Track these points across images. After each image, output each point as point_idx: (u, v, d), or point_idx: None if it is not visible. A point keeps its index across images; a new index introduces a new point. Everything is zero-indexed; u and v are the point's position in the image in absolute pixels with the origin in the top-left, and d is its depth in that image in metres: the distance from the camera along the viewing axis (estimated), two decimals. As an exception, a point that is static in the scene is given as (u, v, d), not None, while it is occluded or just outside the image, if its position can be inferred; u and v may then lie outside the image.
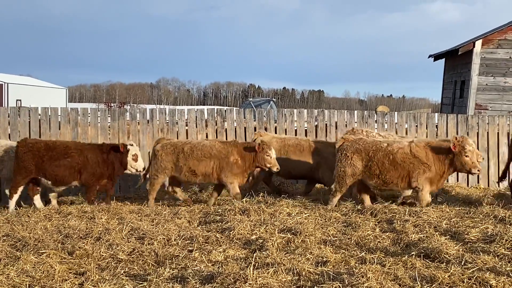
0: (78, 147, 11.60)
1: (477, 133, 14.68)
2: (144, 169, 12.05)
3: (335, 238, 8.30)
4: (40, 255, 7.45)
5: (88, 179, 11.50)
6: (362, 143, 10.83)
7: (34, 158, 11.32)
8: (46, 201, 11.86)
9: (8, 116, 13.63)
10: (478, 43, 24.31)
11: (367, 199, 10.90)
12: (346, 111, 15.01)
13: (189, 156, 11.49)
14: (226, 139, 14.24)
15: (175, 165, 11.57)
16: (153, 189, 11.73)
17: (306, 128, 14.62)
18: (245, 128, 14.38)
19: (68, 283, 6.57)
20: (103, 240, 8.25)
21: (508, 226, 8.63)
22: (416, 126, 14.63)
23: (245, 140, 14.30)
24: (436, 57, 29.78)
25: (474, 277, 6.28)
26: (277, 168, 11.47)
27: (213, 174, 11.48)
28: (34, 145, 11.43)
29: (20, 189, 11.48)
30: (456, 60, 27.13)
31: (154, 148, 11.86)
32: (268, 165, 11.41)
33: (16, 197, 11.45)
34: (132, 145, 11.77)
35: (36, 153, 11.34)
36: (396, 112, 15.48)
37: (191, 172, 11.51)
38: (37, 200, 11.62)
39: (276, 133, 14.29)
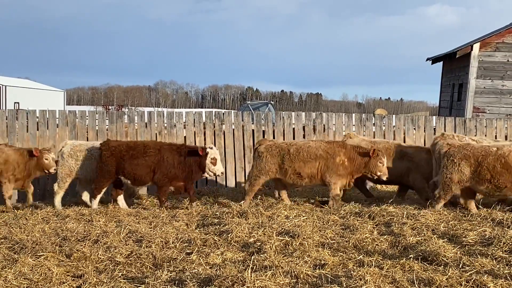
0: (157, 147, 11.53)
1: (475, 136, 14.67)
2: (222, 173, 11.91)
3: (333, 241, 8.30)
4: (38, 258, 7.44)
5: (160, 178, 11.44)
6: (470, 149, 10.56)
7: (116, 160, 11.41)
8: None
9: (6, 119, 13.61)
10: (476, 46, 24.38)
11: (472, 205, 10.54)
12: (344, 114, 15.01)
13: (295, 158, 11.25)
14: (224, 142, 14.25)
15: (280, 168, 11.33)
16: (252, 189, 11.47)
17: (304, 132, 14.60)
18: (243, 130, 14.37)
19: (66, 285, 6.56)
20: (101, 242, 8.25)
21: (506, 229, 8.64)
22: (414, 129, 14.65)
23: (243, 143, 14.31)
24: (434, 60, 29.85)
25: (472, 280, 6.28)
26: (387, 177, 11.22)
27: (317, 175, 11.23)
28: (116, 148, 11.48)
29: (104, 190, 11.64)
30: (454, 63, 27.19)
31: (257, 150, 11.64)
32: (379, 173, 11.17)
33: (99, 197, 11.59)
34: (211, 148, 11.55)
35: (117, 154, 11.40)
36: (394, 115, 15.49)
37: (297, 175, 11.27)
38: (121, 200, 11.66)
39: (274, 136, 14.28)
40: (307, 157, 11.20)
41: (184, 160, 11.43)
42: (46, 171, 11.85)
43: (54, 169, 11.84)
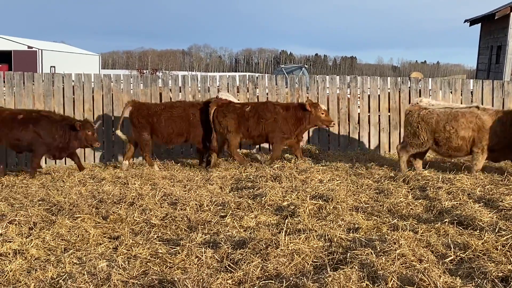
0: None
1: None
2: None
3: (367, 205, 8.28)
4: (75, 220, 7.58)
5: None
6: None
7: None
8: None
9: (43, 82, 13.76)
10: (516, 7, 23.76)
11: None
12: (379, 77, 14.78)
13: None
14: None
15: None
16: None
17: (338, 95, 14.46)
18: (277, 95, 14.30)
19: (103, 247, 6.68)
20: (136, 205, 8.35)
21: (544, 194, 8.50)
22: (451, 92, 14.39)
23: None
24: (472, 22, 29.22)
25: (508, 245, 6.22)
26: None
27: None
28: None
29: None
30: (492, 25, 26.57)
31: None
32: None
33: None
34: None
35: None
36: (430, 79, 15.20)
37: None
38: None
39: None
40: None
41: None
42: None
43: None
